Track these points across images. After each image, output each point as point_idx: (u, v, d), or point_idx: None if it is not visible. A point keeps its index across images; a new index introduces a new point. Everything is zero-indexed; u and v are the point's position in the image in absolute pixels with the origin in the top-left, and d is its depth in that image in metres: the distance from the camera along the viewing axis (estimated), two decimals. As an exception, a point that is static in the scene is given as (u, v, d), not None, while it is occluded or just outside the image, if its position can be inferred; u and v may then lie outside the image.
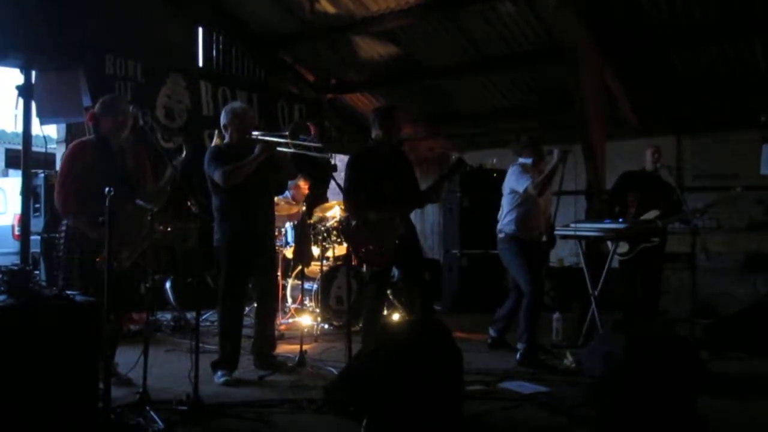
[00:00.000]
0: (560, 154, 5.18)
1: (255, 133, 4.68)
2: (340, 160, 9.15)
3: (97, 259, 3.75)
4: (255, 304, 5.04)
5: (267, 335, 4.92)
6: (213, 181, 4.60)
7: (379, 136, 4.91)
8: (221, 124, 4.77)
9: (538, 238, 5.48)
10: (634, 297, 6.21)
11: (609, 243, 6.02)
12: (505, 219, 5.46)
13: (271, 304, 4.99)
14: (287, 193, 7.27)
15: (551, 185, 5.36)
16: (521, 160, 5.52)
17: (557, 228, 5.74)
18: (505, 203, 5.51)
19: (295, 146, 4.66)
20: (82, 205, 3.97)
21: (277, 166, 4.70)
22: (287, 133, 4.63)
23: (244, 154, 4.56)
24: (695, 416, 3.29)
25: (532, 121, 9.43)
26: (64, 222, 4.14)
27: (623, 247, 6.04)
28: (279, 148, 4.60)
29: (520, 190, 5.34)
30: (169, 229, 4.10)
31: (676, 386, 3.30)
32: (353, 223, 4.64)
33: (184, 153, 4.19)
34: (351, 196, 4.78)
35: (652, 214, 6.00)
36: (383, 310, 5.38)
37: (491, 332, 5.80)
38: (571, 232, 6.00)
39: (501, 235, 5.49)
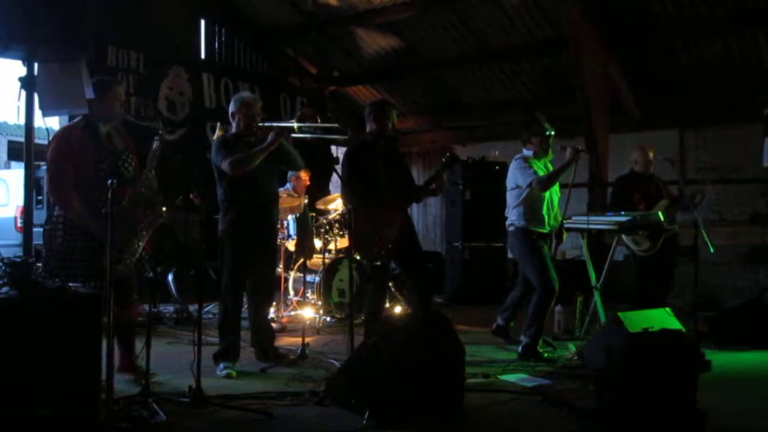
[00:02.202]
0: (573, 152, 5.11)
1: (260, 125, 4.68)
2: (340, 153, 9.15)
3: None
4: (249, 297, 4.97)
5: (263, 326, 4.92)
6: (220, 171, 4.59)
7: (374, 131, 4.95)
8: (229, 113, 4.77)
9: (548, 232, 5.33)
10: (648, 291, 6.21)
11: (625, 238, 5.98)
12: (514, 213, 5.30)
13: (266, 295, 4.99)
14: (288, 185, 7.28)
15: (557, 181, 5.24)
16: (525, 151, 5.36)
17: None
18: (511, 197, 5.34)
19: (309, 131, 4.65)
20: (76, 193, 3.88)
21: (282, 156, 4.70)
22: (294, 120, 4.63)
23: (252, 144, 4.57)
24: (696, 409, 3.29)
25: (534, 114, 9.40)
26: (58, 212, 4.00)
27: (645, 244, 6.00)
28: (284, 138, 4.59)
29: (523, 185, 5.19)
30: (164, 209, 4.01)
31: (676, 379, 3.30)
32: (354, 216, 4.64)
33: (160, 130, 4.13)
34: (352, 190, 4.80)
35: (663, 204, 6.00)
36: (385, 304, 5.39)
37: (498, 320, 5.71)
38: (574, 225, 5.98)
39: (511, 229, 5.32)
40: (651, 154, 6.31)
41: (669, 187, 6.33)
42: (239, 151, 4.50)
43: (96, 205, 3.82)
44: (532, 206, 5.22)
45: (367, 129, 5.01)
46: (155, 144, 4.10)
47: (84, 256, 3.90)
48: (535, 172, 5.17)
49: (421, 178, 11.55)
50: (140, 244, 4.05)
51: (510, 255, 5.73)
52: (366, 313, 4.97)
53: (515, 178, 5.29)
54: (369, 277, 5.01)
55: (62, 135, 4.11)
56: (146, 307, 4.35)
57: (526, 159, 5.29)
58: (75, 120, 4.21)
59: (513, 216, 5.32)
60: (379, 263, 4.83)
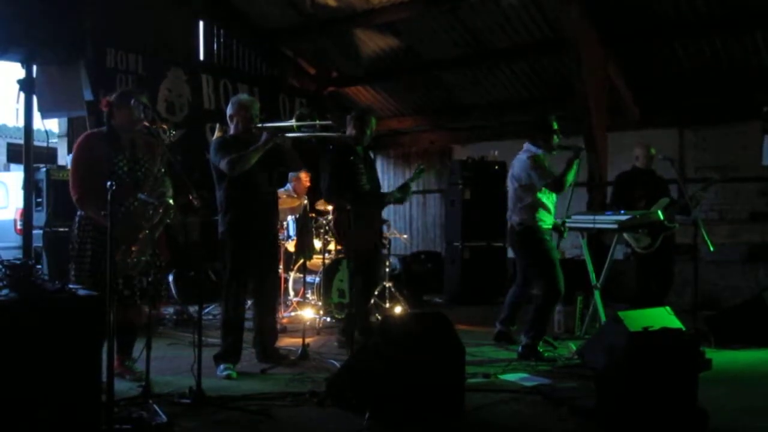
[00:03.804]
0: (575, 150, 5.08)
1: (258, 126, 4.68)
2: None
3: (117, 257, 3.78)
4: (254, 297, 5.01)
5: (267, 328, 4.92)
6: (219, 172, 4.59)
7: (354, 136, 5.27)
8: (227, 115, 4.77)
9: (552, 228, 5.30)
10: (650, 289, 6.23)
11: (626, 235, 5.98)
12: (524, 211, 5.16)
13: (270, 296, 4.98)
14: (288, 186, 7.27)
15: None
16: (534, 149, 5.19)
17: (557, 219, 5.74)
18: (522, 194, 5.18)
19: (305, 129, 4.66)
20: (94, 196, 3.90)
21: (281, 158, 4.70)
22: (293, 120, 4.63)
23: (250, 145, 4.57)
24: (696, 408, 3.29)
25: (533, 114, 9.39)
26: (78, 214, 4.12)
27: (644, 241, 6.00)
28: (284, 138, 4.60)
29: (539, 184, 5.08)
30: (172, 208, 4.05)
31: (677, 378, 3.30)
32: (340, 214, 4.78)
33: (173, 133, 4.15)
34: (337, 187, 5.03)
35: (663, 203, 6.02)
36: (371, 300, 5.58)
37: (499, 326, 5.66)
38: (575, 224, 5.99)
39: (519, 228, 5.18)
40: (653, 151, 6.36)
41: (669, 192, 6.39)
42: (238, 152, 4.50)
43: (115, 209, 3.88)
44: (542, 205, 5.17)
45: (347, 132, 5.30)
46: (162, 152, 4.13)
47: (94, 257, 3.97)
48: (552, 173, 5.10)
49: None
50: (154, 245, 4.08)
51: (511, 254, 5.68)
52: (356, 311, 5.02)
53: (528, 176, 5.14)
54: (356, 273, 5.08)
55: (82, 142, 4.18)
56: (146, 308, 4.36)
57: (539, 158, 5.15)
58: (100, 128, 4.27)
59: (523, 214, 5.18)
60: (364, 259, 4.95)
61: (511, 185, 5.32)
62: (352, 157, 5.21)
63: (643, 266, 6.29)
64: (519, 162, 5.23)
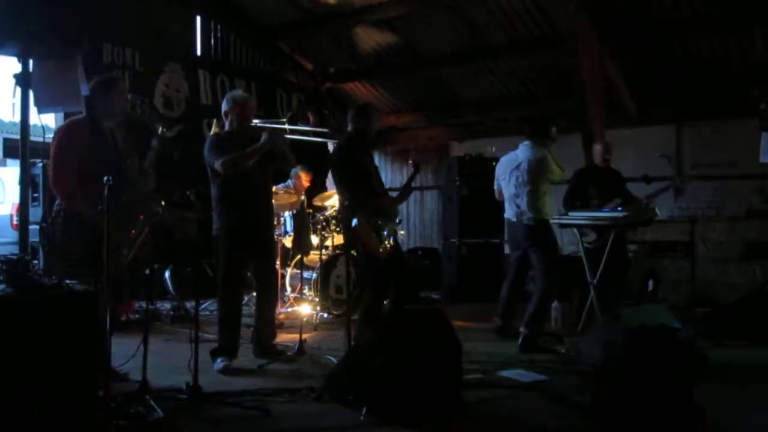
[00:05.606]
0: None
1: (255, 121, 4.68)
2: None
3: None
4: (254, 293, 5.04)
5: (267, 324, 4.92)
6: (213, 170, 4.58)
7: (360, 132, 4.91)
8: (222, 112, 4.76)
9: None
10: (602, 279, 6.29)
11: (575, 231, 6.03)
12: (540, 204, 5.47)
13: (270, 293, 4.98)
14: (289, 182, 7.26)
15: None
16: (543, 149, 5.54)
17: (554, 216, 5.76)
18: (543, 189, 5.50)
19: (301, 134, 4.65)
20: (82, 187, 3.82)
21: (275, 155, 4.69)
22: (285, 120, 4.62)
23: (245, 143, 4.56)
24: (694, 404, 3.30)
25: (531, 110, 9.40)
26: (57, 209, 3.97)
27: (590, 236, 6.08)
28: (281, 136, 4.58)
29: (555, 180, 5.56)
30: (162, 207, 4.00)
31: (673, 375, 3.30)
32: (358, 214, 4.60)
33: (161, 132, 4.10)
34: (349, 186, 4.78)
35: (615, 203, 6.08)
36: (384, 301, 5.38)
37: (497, 321, 5.76)
38: (570, 221, 6.00)
39: (532, 223, 5.45)
40: (611, 149, 6.49)
41: (624, 187, 6.46)
42: (232, 149, 4.49)
43: (99, 200, 3.80)
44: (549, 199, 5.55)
45: (351, 128, 4.93)
46: (154, 143, 4.08)
47: (84, 252, 3.86)
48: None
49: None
50: (136, 241, 4.04)
51: (507, 250, 5.75)
52: (366, 310, 4.95)
53: (550, 173, 5.51)
54: (373, 275, 4.93)
55: (66, 129, 4.07)
56: (143, 304, 4.35)
57: (548, 155, 5.54)
58: (81, 116, 4.16)
59: (540, 208, 5.48)
60: (384, 258, 4.85)
61: (529, 183, 5.49)
62: (359, 154, 4.84)
63: (592, 259, 6.27)
64: (536, 161, 5.50)
